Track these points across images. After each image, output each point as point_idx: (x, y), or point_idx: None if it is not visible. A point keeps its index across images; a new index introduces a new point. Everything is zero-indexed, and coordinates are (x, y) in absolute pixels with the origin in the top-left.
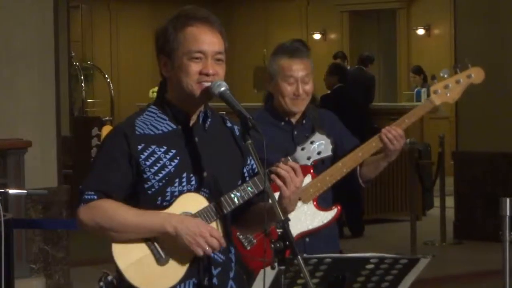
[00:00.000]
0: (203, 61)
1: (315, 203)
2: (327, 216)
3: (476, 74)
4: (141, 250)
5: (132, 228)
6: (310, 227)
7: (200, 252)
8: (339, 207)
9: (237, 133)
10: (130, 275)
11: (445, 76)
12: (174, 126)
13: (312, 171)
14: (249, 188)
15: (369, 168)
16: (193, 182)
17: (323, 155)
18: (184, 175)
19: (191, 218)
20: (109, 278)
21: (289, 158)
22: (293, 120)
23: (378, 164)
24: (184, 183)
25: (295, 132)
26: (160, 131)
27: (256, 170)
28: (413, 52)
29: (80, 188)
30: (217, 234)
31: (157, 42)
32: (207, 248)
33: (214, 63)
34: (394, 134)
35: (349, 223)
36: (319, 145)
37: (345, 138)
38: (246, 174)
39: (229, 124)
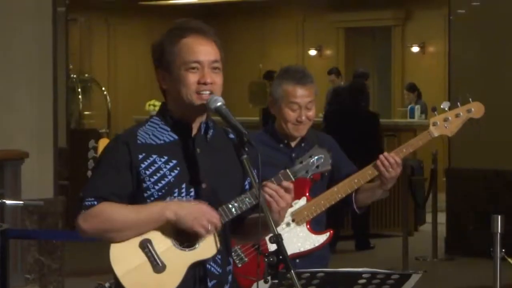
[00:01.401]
0: (200, 71)
1: (308, 226)
2: (319, 239)
3: (476, 109)
4: (138, 257)
5: (133, 224)
6: (302, 249)
7: (203, 231)
8: (331, 232)
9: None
10: (126, 282)
11: (446, 109)
12: (176, 137)
13: (307, 194)
14: (247, 199)
15: (364, 195)
16: (192, 193)
17: (321, 169)
18: (184, 185)
19: (188, 202)
20: (107, 285)
21: (287, 170)
22: (292, 143)
23: (373, 191)
24: (184, 194)
25: (293, 155)
26: (162, 141)
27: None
28: (407, 69)
29: (80, 194)
30: (215, 214)
31: (153, 56)
32: (209, 226)
33: (211, 72)
34: (391, 162)
35: (356, 237)
36: (318, 159)
37: (343, 163)
38: (247, 187)
39: (231, 136)
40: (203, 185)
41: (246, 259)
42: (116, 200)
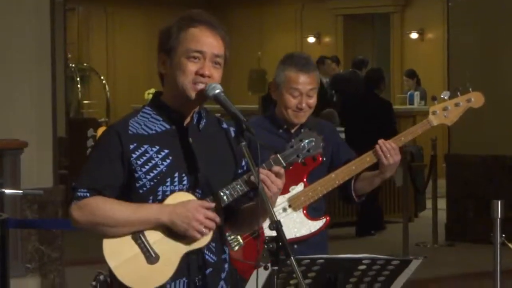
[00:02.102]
0: (201, 62)
1: (304, 211)
2: (315, 225)
3: (476, 99)
4: (131, 249)
5: (126, 223)
6: (298, 234)
7: (198, 236)
8: (327, 218)
9: (233, 135)
10: (120, 274)
11: (445, 98)
12: (168, 127)
13: (305, 180)
14: (238, 186)
15: (363, 184)
16: (185, 182)
17: (312, 152)
18: (176, 174)
19: (182, 205)
20: (101, 277)
21: (278, 155)
22: (292, 129)
23: (372, 180)
24: (176, 183)
25: (293, 141)
26: (154, 131)
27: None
28: (406, 56)
29: (73, 185)
30: (211, 214)
31: (159, 40)
32: (204, 230)
33: (211, 66)
34: (388, 148)
35: (368, 222)
36: (309, 143)
37: (342, 149)
38: (239, 177)
39: (224, 126)
40: (196, 175)
41: (243, 242)
42: (109, 191)
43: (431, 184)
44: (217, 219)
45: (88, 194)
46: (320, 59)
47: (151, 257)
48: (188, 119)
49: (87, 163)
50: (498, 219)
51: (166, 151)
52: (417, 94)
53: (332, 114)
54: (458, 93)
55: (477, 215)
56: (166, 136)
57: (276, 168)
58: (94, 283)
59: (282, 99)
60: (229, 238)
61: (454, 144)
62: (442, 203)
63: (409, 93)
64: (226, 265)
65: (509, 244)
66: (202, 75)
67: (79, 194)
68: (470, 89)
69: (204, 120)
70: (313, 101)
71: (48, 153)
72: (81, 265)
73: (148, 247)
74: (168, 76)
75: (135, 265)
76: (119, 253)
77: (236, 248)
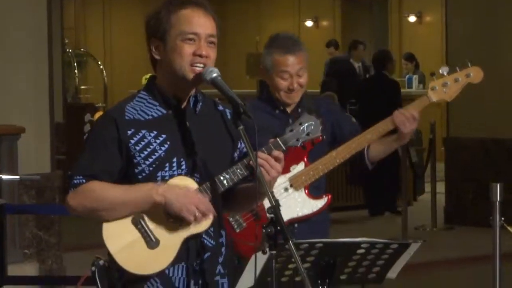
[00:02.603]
0: (196, 43)
1: (306, 190)
2: (317, 204)
3: (475, 74)
4: (131, 234)
5: (121, 204)
6: (300, 214)
7: (191, 218)
8: (329, 196)
9: (229, 117)
10: (120, 259)
11: (444, 73)
12: (164, 111)
13: (306, 159)
14: (238, 171)
15: (379, 148)
16: (183, 167)
17: (312, 136)
18: (175, 159)
19: (178, 186)
20: (101, 262)
21: (278, 139)
22: (288, 109)
23: (390, 145)
24: (175, 168)
25: (290, 120)
26: (150, 117)
27: (245, 153)
28: (404, 39)
29: (69, 173)
30: (206, 202)
31: (148, 25)
32: (197, 214)
33: (206, 46)
34: (407, 116)
35: (386, 202)
36: (308, 126)
37: (343, 122)
38: (236, 159)
39: (220, 108)
40: (194, 159)
41: (244, 224)
42: (106, 178)
43: (430, 168)
44: (212, 208)
45: (84, 181)
46: (352, 44)
47: (152, 242)
48: (184, 103)
49: (83, 150)
50: (497, 202)
51: (164, 136)
52: (415, 78)
53: (332, 97)
54: (457, 69)
55: (476, 199)
56: (163, 121)
57: (275, 153)
58: (93, 268)
59: (273, 82)
60: (230, 219)
61: (453, 127)
62: (441, 187)
63: (407, 76)
64: (223, 249)
65: (508, 228)
66: (200, 56)
67: (75, 181)
68: (469, 64)
69: (201, 104)
70: (303, 79)
71: (46, 139)
72: (79, 250)
73: (149, 231)
74: (163, 61)
75: (135, 250)
76: (119, 238)
77: (238, 230)
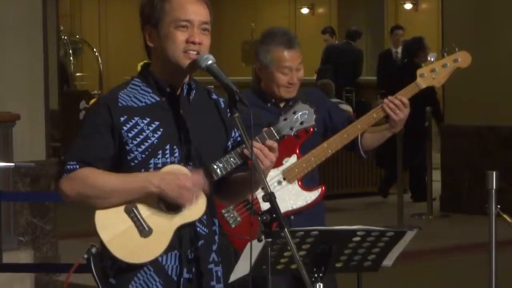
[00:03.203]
0: (190, 30)
1: (299, 183)
2: (311, 196)
3: (463, 58)
4: (124, 222)
5: (114, 193)
6: (294, 206)
7: (188, 203)
8: (323, 188)
9: (222, 106)
10: (113, 248)
11: (432, 60)
12: (158, 98)
13: (298, 151)
14: (231, 159)
15: (371, 138)
16: (176, 154)
17: (306, 125)
18: (168, 147)
19: (171, 173)
20: (93, 250)
21: (271, 128)
22: (280, 103)
23: (382, 134)
24: (168, 155)
25: (282, 113)
26: (144, 103)
27: (239, 141)
28: None
29: (62, 158)
30: (200, 180)
31: (142, 13)
32: (193, 198)
33: (200, 33)
34: (397, 103)
35: (413, 189)
36: (302, 115)
37: (334, 113)
38: (230, 147)
39: (214, 97)
40: (187, 147)
41: (240, 219)
42: (99, 164)
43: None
44: (206, 185)
45: (77, 167)
46: (392, 29)
47: (144, 230)
48: (178, 91)
49: (77, 136)
50: (493, 190)
51: (157, 123)
52: None
53: (329, 84)
54: (445, 54)
55: (472, 186)
56: (156, 108)
57: (269, 142)
58: (86, 255)
59: (273, 78)
60: (225, 215)
61: (449, 115)
62: (437, 175)
63: None
64: (217, 237)
65: (504, 215)
66: (193, 43)
67: (68, 167)
68: (456, 49)
69: (194, 92)
70: (301, 73)
71: (41, 126)
72: (74, 238)
73: (141, 220)
74: (156, 48)
75: (128, 238)
76: (111, 226)
77: (233, 225)
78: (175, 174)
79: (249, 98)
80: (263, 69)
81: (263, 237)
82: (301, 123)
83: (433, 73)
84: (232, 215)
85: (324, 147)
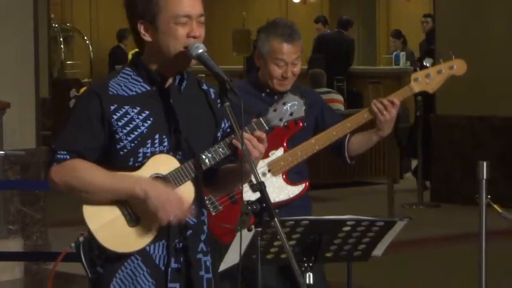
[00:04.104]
0: (189, 25)
1: (284, 176)
2: (294, 190)
3: (458, 66)
4: (112, 212)
5: (102, 190)
6: (276, 199)
7: (164, 221)
8: (307, 183)
9: (212, 96)
10: (101, 237)
11: (428, 65)
12: (148, 88)
13: (285, 145)
14: (220, 150)
15: (358, 141)
16: (165, 144)
17: (295, 116)
18: (157, 136)
19: (162, 185)
20: (81, 238)
21: (261, 119)
22: (275, 94)
23: (369, 138)
24: (157, 144)
25: (275, 104)
26: (134, 92)
27: (228, 132)
28: (392, 16)
29: (52, 147)
30: (184, 207)
31: (133, 7)
32: (171, 218)
33: (198, 26)
34: (385, 104)
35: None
36: (292, 106)
37: (327, 114)
38: (220, 138)
39: (204, 87)
40: (177, 136)
41: (221, 207)
42: (89, 154)
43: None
44: (191, 212)
45: (68, 157)
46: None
47: (132, 220)
48: (169, 81)
49: (67, 125)
50: (484, 180)
51: (147, 112)
52: (403, 55)
53: (320, 74)
54: (441, 60)
55: (462, 176)
56: (146, 98)
57: (258, 133)
58: (73, 245)
59: (267, 69)
60: (207, 202)
61: (440, 104)
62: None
63: (394, 53)
64: (205, 227)
65: (495, 205)
66: (194, 37)
67: (59, 156)
68: (453, 57)
69: (185, 82)
70: (297, 69)
71: (31, 114)
72: (64, 226)
73: (129, 209)
74: (154, 43)
75: (115, 227)
76: (99, 216)
77: (214, 213)
78: (167, 190)
79: (244, 87)
80: (260, 58)
81: (253, 226)
82: (291, 114)
83: (427, 78)
84: (213, 203)
85: (311, 143)
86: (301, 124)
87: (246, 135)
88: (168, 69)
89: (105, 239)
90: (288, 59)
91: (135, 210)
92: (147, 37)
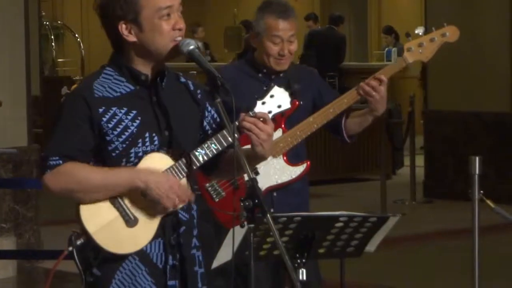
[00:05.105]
0: (172, 17)
1: (285, 157)
2: (296, 171)
3: (451, 33)
4: (109, 213)
5: (101, 187)
6: (279, 181)
7: (170, 206)
8: (308, 163)
9: (192, 87)
10: (100, 239)
11: (420, 33)
12: (132, 87)
13: (283, 125)
14: (213, 146)
15: (354, 122)
16: (156, 142)
17: (282, 108)
18: (147, 135)
19: (159, 173)
20: (78, 242)
21: (250, 112)
22: (272, 74)
23: (364, 117)
24: (148, 143)
25: (272, 84)
26: (119, 93)
27: (218, 119)
28: (383, 12)
29: (42, 154)
30: (186, 189)
31: (110, 10)
32: (177, 203)
33: (179, 17)
34: (373, 85)
35: None
36: (278, 98)
37: (324, 91)
38: (207, 127)
39: (182, 79)
40: (165, 133)
41: (224, 193)
42: (81, 157)
43: (409, 141)
44: (191, 195)
45: (60, 162)
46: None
47: (130, 220)
48: (152, 78)
49: (56, 130)
50: (476, 175)
51: (134, 112)
52: (394, 51)
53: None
54: (433, 28)
55: (455, 172)
56: (132, 97)
57: (261, 114)
58: (70, 248)
59: (263, 47)
60: (209, 188)
61: (432, 100)
62: (420, 160)
63: (386, 49)
64: (195, 221)
65: (487, 201)
66: (179, 29)
67: (51, 162)
68: (445, 24)
69: (166, 78)
70: (293, 47)
71: (23, 112)
72: (56, 224)
73: (127, 210)
74: (139, 42)
75: (114, 229)
76: (97, 217)
77: (217, 199)
78: (167, 177)
79: (241, 68)
80: (256, 37)
81: (245, 223)
82: (278, 106)
83: (420, 47)
84: (215, 189)
85: (310, 121)
86: (297, 103)
87: (251, 119)
88: (153, 66)
89: (105, 241)
90: (284, 35)
91: (133, 209)
92: (131, 37)
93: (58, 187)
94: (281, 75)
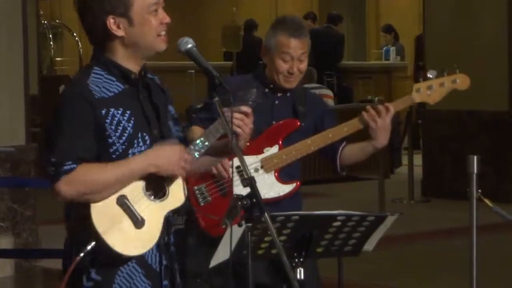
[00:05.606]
0: (159, 12)
1: (276, 174)
2: (284, 189)
3: (461, 81)
4: (118, 215)
5: (115, 184)
6: (266, 196)
7: (183, 173)
8: (298, 183)
9: (159, 82)
10: (111, 240)
11: (431, 77)
12: (123, 86)
13: (281, 143)
14: (206, 143)
15: (352, 149)
16: (148, 142)
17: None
18: (139, 135)
19: (164, 149)
20: (89, 247)
21: (234, 108)
22: (278, 91)
23: (364, 148)
24: (141, 143)
25: (276, 102)
26: (112, 93)
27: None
28: (382, 10)
29: (53, 160)
30: (185, 152)
31: (98, 4)
32: (187, 166)
33: (164, 11)
34: (378, 110)
35: None
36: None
37: (327, 118)
38: (172, 112)
39: (150, 75)
40: (154, 132)
41: (210, 198)
42: (91, 158)
43: (407, 140)
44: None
45: (75, 166)
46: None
47: (138, 221)
48: (136, 76)
49: (61, 133)
50: (474, 174)
51: (129, 112)
52: (392, 50)
53: (310, 71)
54: (445, 73)
55: (453, 171)
56: (124, 97)
57: (245, 108)
58: (81, 254)
59: (274, 64)
60: (197, 191)
61: None
62: (418, 159)
63: (384, 48)
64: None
65: (485, 200)
66: (167, 24)
67: (66, 168)
68: (457, 71)
69: (148, 75)
70: (304, 65)
71: (21, 111)
72: (54, 224)
73: (134, 211)
74: (127, 37)
75: (124, 230)
76: (106, 219)
77: (202, 203)
78: (166, 149)
79: (249, 81)
80: (267, 53)
81: (243, 222)
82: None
83: (429, 90)
84: (202, 193)
85: (307, 143)
86: (298, 123)
87: (239, 115)
88: (139, 63)
89: (115, 243)
90: (295, 53)
91: (139, 209)
92: (120, 32)
93: (73, 193)
94: (288, 94)
